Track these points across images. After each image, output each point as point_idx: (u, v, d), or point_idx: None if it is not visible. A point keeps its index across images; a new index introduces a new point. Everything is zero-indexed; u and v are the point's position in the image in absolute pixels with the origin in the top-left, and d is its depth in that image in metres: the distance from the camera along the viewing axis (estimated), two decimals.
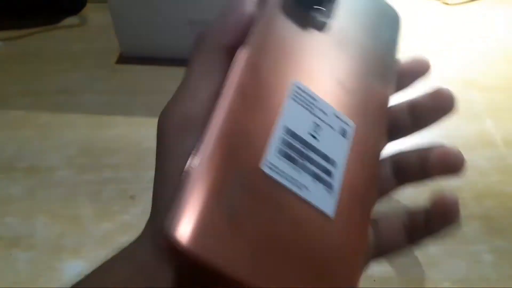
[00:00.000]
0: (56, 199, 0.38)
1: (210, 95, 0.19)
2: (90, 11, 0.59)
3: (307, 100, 0.20)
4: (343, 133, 0.21)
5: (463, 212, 0.37)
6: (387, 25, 0.26)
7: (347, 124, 0.21)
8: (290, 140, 0.19)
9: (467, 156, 0.41)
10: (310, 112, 0.20)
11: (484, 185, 0.39)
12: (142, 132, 0.43)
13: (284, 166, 0.18)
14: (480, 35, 0.56)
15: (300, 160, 0.19)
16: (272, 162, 0.18)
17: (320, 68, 0.21)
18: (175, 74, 0.49)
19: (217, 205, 0.16)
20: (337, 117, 0.21)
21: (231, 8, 0.21)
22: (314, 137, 0.20)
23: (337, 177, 0.19)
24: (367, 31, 0.24)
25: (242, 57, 0.19)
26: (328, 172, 0.19)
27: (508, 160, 0.40)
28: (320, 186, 0.19)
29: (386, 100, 0.23)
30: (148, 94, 0.47)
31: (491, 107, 0.46)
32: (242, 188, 0.17)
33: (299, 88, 0.20)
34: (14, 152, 0.41)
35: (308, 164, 0.19)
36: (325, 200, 0.19)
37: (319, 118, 0.20)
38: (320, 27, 0.23)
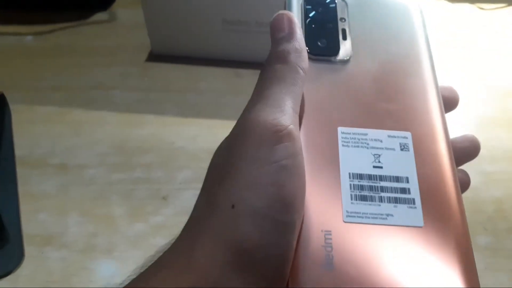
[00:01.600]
0: (88, 198, 0.37)
1: (295, 113, 0.21)
2: (119, 7, 0.59)
3: (357, 139, 0.22)
4: (404, 148, 0.22)
5: (504, 225, 0.36)
6: (408, 22, 0.27)
7: (404, 137, 0.22)
8: (358, 183, 0.21)
9: (508, 167, 0.40)
10: (365, 147, 0.22)
11: None
12: (174, 131, 0.43)
13: (363, 208, 0.20)
14: None
15: (375, 195, 0.20)
16: (351, 210, 0.20)
17: (356, 100, 0.23)
18: (206, 74, 0.49)
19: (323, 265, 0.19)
20: (392, 136, 0.22)
21: None
22: (379, 167, 0.21)
23: (414, 189, 0.21)
24: (390, 36, 0.26)
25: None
26: (405, 190, 0.21)
27: None
28: (403, 207, 0.20)
29: (430, 87, 0.24)
30: (179, 93, 0.47)
31: None
32: (338, 243, 0.19)
33: (344, 132, 0.22)
34: (46, 149, 0.41)
35: (384, 194, 0.20)
36: (412, 217, 0.20)
37: (376, 148, 0.22)
38: (343, 60, 0.25)
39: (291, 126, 0.20)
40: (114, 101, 0.46)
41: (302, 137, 0.21)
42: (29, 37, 0.55)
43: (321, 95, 0.23)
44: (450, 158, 0.22)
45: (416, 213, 0.20)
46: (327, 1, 0.27)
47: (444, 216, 0.20)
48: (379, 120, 0.23)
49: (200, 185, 0.21)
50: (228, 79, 0.48)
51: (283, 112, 0.20)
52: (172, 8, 0.47)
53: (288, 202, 0.19)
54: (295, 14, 0.26)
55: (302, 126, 0.22)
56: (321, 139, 0.22)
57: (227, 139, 0.22)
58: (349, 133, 0.22)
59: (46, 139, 0.42)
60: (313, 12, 0.26)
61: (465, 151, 0.26)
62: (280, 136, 0.20)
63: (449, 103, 0.26)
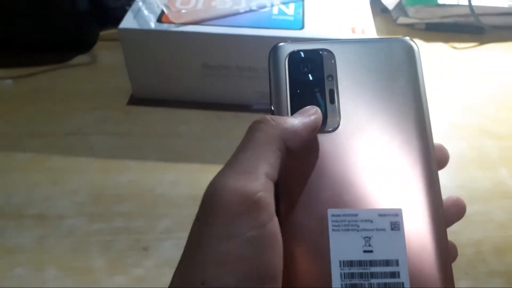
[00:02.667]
0: (67, 250, 0.37)
1: (269, 179, 0.20)
2: (101, 49, 0.59)
3: (347, 221, 0.21)
4: (394, 227, 0.21)
5: (484, 268, 0.36)
6: (402, 67, 0.25)
7: (395, 215, 0.21)
8: (348, 271, 0.20)
9: (485, 208, 0.40)
10: (356, 230, 0.21)
11: (504, 239, 0.38)
12: (154, 177, 0.43)
13: None
14: (490, 80, 0.56)
15: (365, 282, 0.20)
16: None
17: (345, 173, 0.22)
18: (187, 117, 0.49)
19: None
20: (383, 215, 0.21)
21: (305, 117, 0.22)
22: (369, 251, 0.21)
23: (404, 273, 0.20)
24: (382, 89, 0.24)
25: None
26: (394, 274, 0.20)
27: None
28: None
29: (424, 151, 0.23)
30: (160, 138, 0.47)
31: (505, 156, 0.46)
32: None
33: (335, 215, 0.21)
34: (23, 198, 0.40)
35: (374, 280, 0.20)
36: None
37: (367, 230, 0.21)
38: (330, 130, 0.23)
39: (260, 194, 0.19)
40: (92, 147, 0.46)
41: (290, 221, 0.21)
42: (9, 81, 0.54)
43: (308, 170, 0.22)
44: (442, 232, 0.21)
45: None
46: (313, 57, 0.25)
47: None
48: (369, 195, 0.22)
49: (181, 234, 0.21)
50: (209, 122, 0.49)
51: (254, 179, 0.20)
52: (152, 53, 0.47)
53: (261, 275, 0.18)
54: (279, 75, 0.24)
55: (290, 207, 0.22)
56: (310, 223, 0.21)
57: (199, 209, 0.21)
58: (339, 215, 0.21)
59: (22, 188, 0.41)
60: (297, 71, 0.24)
61: (452, 216, 0.25)
62: (246, 206, 0.19)
63: (439, 163, 0.25)
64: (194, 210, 0.22)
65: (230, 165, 0.21)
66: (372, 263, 0.20)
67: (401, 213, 0.21)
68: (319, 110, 0.22)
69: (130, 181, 0.42)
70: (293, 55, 0.24)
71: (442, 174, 0.44)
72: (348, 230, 0.21)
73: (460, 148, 0.47)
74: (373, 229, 0.21)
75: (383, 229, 0.21)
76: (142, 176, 0.43)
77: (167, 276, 0.20)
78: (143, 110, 0.50)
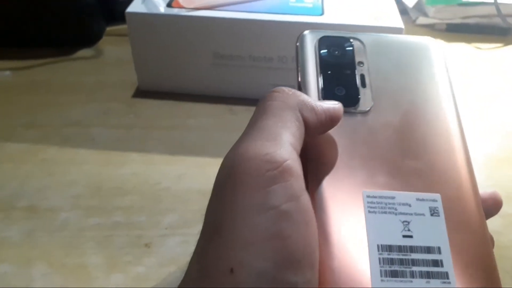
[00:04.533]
0: (59, 245, 0.32)
1: (293, 147, 0.18)
2: (106, 44, 0.56)
3: (384, 203, 0.20)
4: (434, 212, 0.20)
5: None
6: (430, 63, 0.25)
7: (434, 200, 0.20)
8: (387, 256, 0.18)
9: None
10: (394, 213, 0.19)
11: None
12: (159, 170, 0.39)
13: (394, 284, 0.18)
14: None
15: (406, 270, 0.18)
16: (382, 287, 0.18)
17: (380, 157, 0.21)
18: (196, 110, 0.46)
19: None
20: (421, 199, 0.20)
21: (325, 103, 0.21)
22: (409, 236, 0.19)
23: (447, 261, 0.19)
24: (412, 80, 0.24)
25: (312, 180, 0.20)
26: (437, 263, 0.19)
27: None
28: (436, 282, 0.18)
29: (456, 140, 0.22)
30: (167, 131, 0.43)
31: None
32: None
33: (370, 196, 0.20)
34: (14, 189, 0.36)
35: (415, 268, 0.18)
36: None
37: (405, 213, 0.20)
38: (363, 111, 0.23)
39: (289, 162, 0.17)
40: (93, 139, 0.42)
41: (321, 201, 0.19)
42: (7, 72, 0.51)
43: (341, 152, 0.21)
44: (482, 221, 0.20)
45: (451, 286, 0.18)
46: (343, 43, 0.25)
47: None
48: (405, 180, 0.20)
49: (187, 231, 0.17)
50: (220, 115, 0.45)
51: (279, 146, 0.18)
52: (161, 41, 0.44)
53: (297, 258, 0.16)
54: (309, 58, 0.24)
55: (319, 187, 0.20)
56: (344, 204, 0.19)
57: (214, 185, 0.18)
58: (375, 197, 0.20)
59: (14, 179, 0.37)
60: (328, 56, 0.24)
61: (488, 209, 0.22)
62: (274, 174, 0.17)
63: (492, 210, 0.23)
64: (202, 205, 0.18)
65: (249, 133, 0.18)
66: (412, 249, 0.19)
67: (440, 199, 0.20)
68: (341, 105, 0.21)
69: (132, 174, 0.38)
70: (325, 40, 0.25)
71: (476, 172, 0.40)
72: (385, 212, 0.19)
73: (491, 147, 0.43)
74: (411, 214, 0.20)
75: (423, 214, 0.20)
76: (146, 169, 0.39)
77: (172, 275, 0.16)
78: (149, 103, 0.47)
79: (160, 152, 0.41)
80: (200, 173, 0.38)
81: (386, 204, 0.20)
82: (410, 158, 0.21)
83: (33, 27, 0.54)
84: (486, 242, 0.20)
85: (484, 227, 0.20)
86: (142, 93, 0.48)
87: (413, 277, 0.18)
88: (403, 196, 0.20)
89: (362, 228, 0.19)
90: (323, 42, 0.25)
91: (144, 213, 0.35)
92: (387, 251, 0.19)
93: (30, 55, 0.53)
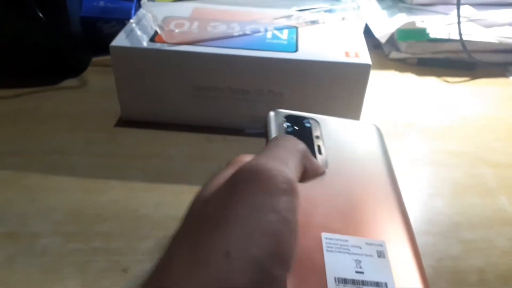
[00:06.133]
0: (38, 270, 0.33)
1: (297, 174, 0.23)
2: (91, 74, 0.58)
3: (339, 245, 0.23)
4: (380, 255, 0.23)
5: None
6: (371, 140, 0.31)
7: (380, 245, 0.24)
8: (343, 287, 0.21)
9: (487, 235, 0.38)
10: (347, 253, 0.23)
11: (508, 266, 0.36)
12: (138, 198, 0.40)
13: None
14: (483, 112, 0.56)
15: None
16: None
17: (335, 208, 0.25)
18: (176, 139, 0.48)
19: None
20: (370, 244, 0.23)
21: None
22: (360, 272, 0.22)
23: None
24: (357, 152, 0.29)
25: None
26: None
27: None
28: None
29: (395, 200, 0.27)
30: (147, 159, 0.45)
31: (503, 184, 0.44)
32: None
33: (328, 238, 0.23)
34: None
35: None
36: None
37: (357, 254, 0.23)
38: (320, 176, 0.27)
39: (297, 184, 0.20)
40: (74, 167, 0.43)
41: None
42: None
43: (304, 202, 0.24)
44: (419, 261, 0.24)
45: None
46: (303, 121, 0.30)
47: None
48: (356, 228, 0.24)
49: None
50: (199, 144, 0.47)
51: (289, 168, 0.21)
52: (143, 73, 0.46)
53: (284, 257, 0.18)
54: (277, 131, 0.29)
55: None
56: (307, 243, 0.22)
57: (219, 187, 0.21)
58: (332, 239, 0.23)
59: None
60: (292, 129, 0.29)
61: None
62: (285, 188, 0.19)
63: None
64: None
65: (265, 155, 0.22)
66: (364, 283, 0.22)
67: (385, 244, 0.24)
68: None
69: (112, 201, 0.40)
70: (289, 118, 0.30)
71: (441, 200, 0.42)
72: (340, 252, 0.23)
73: (457, 175, 0.45)
74: (362, 254, 0.23)
75: (371, 255, 0.23)
76: (125, 196, 0.40)
77: None
78: (130, 132, 0.48)
79: (140, 180, 0.42)
80: (177, 201, 0.40)
81: (341, 245, 0.23)
82: (359, 210, 0.25)
83: (20, 57, 0.56)
84: (424, 278, 0.23)
85: (421, 265, 0.24)
86: (124, 122, 0.49)
87: None
88: (354, 240, 0.23)
89: (322, 263, 0.22)
90: (287, 119, 0.30)
91: (122, 239, 0.36)
92: (342, 283, 0.22)
93: (16, 85, 0.55)
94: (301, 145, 0.25)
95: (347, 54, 0.45)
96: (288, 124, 0.30)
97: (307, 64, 0.44)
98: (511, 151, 0.49)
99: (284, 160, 0.22)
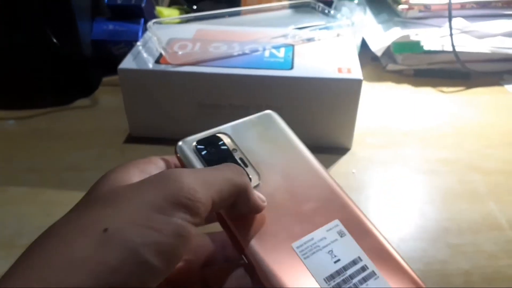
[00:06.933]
0: None
1: (212, 200, 0.23)
2: (102, 93, 0.62)
3: (310, 246, 0.25)
4: (342, 234, 0.26)
5: None
6: (276, 127, 0.31)
7: (337, 225, 0.26)
8: (333, 283, 0.23)
9: (474, 239, 0.40)
10: (320, 250, 0.25)
11: (493, 269, 0.38)
12: None
13: None
14: (477, 120, 0.58)
15: (350, 285, 0.23)
16: None
17: (285, 212, 0.26)
18: None
19: None
20: (329, 229, 0.26)
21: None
22: (338, 260, 0.24)
23: (369, 262, 0.25)
24: (273, 145, 0.30)
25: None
26: (364, 268, 0.24)
27: None
28: (371, 281, 0.24)
29: (324, 176, 0.29)
30: None
31: (493, 190, 0.46)
32: None
33: (298, 246, 0.25)
34: (15, 229, 0.41)
35: (354, 280, 0.24)
36: (381, 285, 0.24)
37: (326, 245, 0.25)
38: (256, 185, 0.27)
39: (202, 206, 0.21)
40: (87, 182, 0.46)
41: (266, 265, 0.24)
42: (11, 121, 0.56)
43: (260, 220, 0.26)
44: (372, 224, 0.27)
45: (383, 282, 0.24)
46: (215, 140, 0.29)
47: (396, 269, 0.25)
48: (311, 222, 0.26)
49: None
50: None
51: (208, 192, 0.22)
52: (150, 93, 0.50)
53: (164, 252, 0.19)
54: (194, 162, 0.27)
55: (260, 253, 0.24)
56: (284, 260, 0.24)
57: (134, 180, 0.23)
58: (301, 245, 0.25)
59: (15, 219, 0.42)
60: (209, 153, 0.28)
61: None
62: (185, 202, 0.21)
63: None
64: None
65: (191, 169, 0.23)
66: (345, 268, 0.24)
67: (339, 222, 0.26)
68: (265, 203, 0.26)
69: None
70: (200, 143, 0.29)
71: (431, 207, 0.44)
72: (314, 252, 0.25)
73: (449, 182, 0.47)
74: (329, 243, 0.25)
75: (336, 239, 0.25)
76: None
77: None
78: (139, 148, 0.52)
79: None
80: None
81: (311, 246, 0.25)
82: (305, 204, 0.27)
83: (35, 80, 0.60)
84: (382, 239, 0.26)
85: (374, 226, 0.26)
86: (133, 139, 0.53)
87: (356, 286, 0.24)
88: (317, 233, 0.25)
89: (307, 272, 0.24)
90: (199, 145, 0.28)
91: None
92: (332, 279, 0.24)
93: (32, 106, 0.58)
94: (241, 180, 0.24)
95: (340, 70, 0.48)
96: (201, 147, 0.28)
97: (302, 80, 0.47)
98: (502, 157, 0.51)
99: (209, 183, 0.22)
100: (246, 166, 0.28)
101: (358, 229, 0.26)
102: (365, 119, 0.57)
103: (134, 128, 0.53)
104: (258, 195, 0.26)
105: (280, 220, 0.26)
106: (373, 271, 0.24)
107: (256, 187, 0.27)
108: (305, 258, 0.24)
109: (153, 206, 0.20)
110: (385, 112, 0.60)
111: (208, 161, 0.27)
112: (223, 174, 0.24)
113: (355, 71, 0.48)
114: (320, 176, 0.28)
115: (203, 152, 0.28)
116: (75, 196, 0.44)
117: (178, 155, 0.28)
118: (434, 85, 0.66)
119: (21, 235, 0.40)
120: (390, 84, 0.66)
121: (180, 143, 0.29)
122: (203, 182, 0.22)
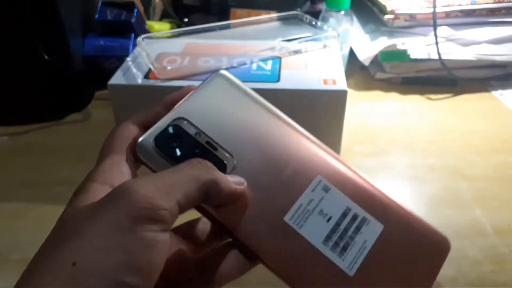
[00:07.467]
0: None
1: (178, 204, 0.22)
2: (94, 108, 0.63)
3: (301, 213, 0.25)
4: (326, 189, 0.26)
5: None
6: (233, 88, 0.29)
7: (320, 182, 0.26)
8: (333, 242, 0.24)
9: (459, 245, 0.41)
10: (310, 213, 0.25)
11: (478, 275, 0.38)
12: None
13: (350, 254, 0.24)
14: (463, 127, 0.59)
15: (347, 239, 0.25)
16: (347, 265, 0.24)
17: (271, 185, 0.26)
18: None
19: None
20: (313, 189, 0.26)
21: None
22: (329, 218, 0.25)
23: (358, 210, 0.25)
24: (234, 113, 0.28)
25: None
26: (355, 217, 0.25)
27: (500, 249, 0.41)
28: (364, 228, 0.25)
29: (298, 133, 0.28)
30: None
31: (478, 196, 0.47)
32: None
33: (290, 217, 0.25)
34: (8, 243, 0.42)
35: (349, 232, 0.25)
36: (374, 228, 0.25)
37: (315, 207, 0.25)
38: (234, 165, 0.26)
39: (165, 212, 0.21)
40: None
41: (264, 244, 0.24)
42: (4, 138, 0.57)
43: (242, 202, 0.25)
44: (352, 169, 0.27)
45: (375, 224, 0.25)
46: (174, 131, 0.26)
47: (386, 209, 0.26)
48: (296, 187, 0.26)
49: None
50: None
51: (171, 195, 0.21)
52: (139, 107, 0.50)
53: (140, 268, 0.20)
54: (159, 162, 0.25)
55: (255, 233, 0.24)
56: (282, 236, 0.24)
57: (90, 202, 0.22)
58: (293, 215, 0.25)
59: (8, 234, 0.42)
60: (172, 149, 0.26)
61: None
62: (146, 213, 0.20)
63: None
64: None
65: (145, 177, 0.22)
66: (338, 222, 0.25)
67: (321, 178, 0.26)
68: (244, 186, 0.25)
69: None
70: (158, 139, 0.26)
71: (417, 213, 0.45)
72: (306, 219, 0.25)
73: (435, 189, 0.48)
74: (317, 203, 0.25)
75: (322, 196, 0.25)
76: None
77: None
78: None
79: None
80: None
81: (301, 212, 0.25)
82: (285, 169, 0.26)
83: (28, 96, 0.60)
84: (365, 182, 0.26)
85: (356, 172, 0.27)
86: None
87: (353, 239, 0.24)
88: (304, 198, 0.25)
89: (304, 241, 0.24)
90: (158, 142, 0.26)
91: None
92: (329, 239, 0.24)
93: (25, 121, 0.59)
94: (207, 175, 0.23)
95: (325, 82, 0.48)
96: (161, 143, 0.26)
97: (288, 92, 0.48)
98: (487, 164, 0.52)
99: (170, 187, 0.22)
100: (216, 149, 0.26)
101: (341, 179, 0.26)
102: (353, 127, 0.58)
103: None
104: (234, 180, 0.25)
105: (265, 194, 0.25)
106: (363, 217, 0.25)
107: (233, 170, 0.26)
108: (299, 228, 0.25)
109: (116, 226, 0.20)
110: (374, 120, 0.61)
111: (174, 157, 0.25)
112: (186, 173, 0.23)
113: (340, 82, 0.48)
114: (292, 132, 0.27)
115: (166, 148, 0.25)
116: None
117: (140, 158, 0.26)
118: (422, 92, 0.67)
119: (14, 250, 0.41)
120: (378, 93, 0.68)
121: (137, 143, 0.26)
122: (162, 188, 0.21)
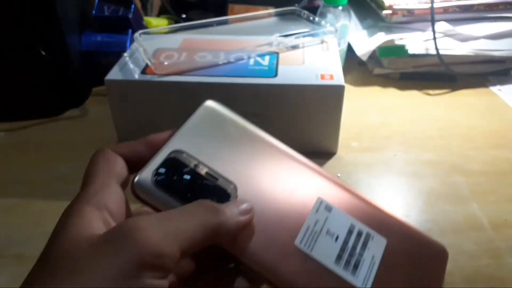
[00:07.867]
0: None
1: (180, 249, 0.21)
2: (92, 104, 0.63)
3: (310, 237, 0.25)
4: (329, 209, 0.26)
5: None
6: (225, 119, 0.29)
7: (321, 203, 0.27)
8: (344, 261, 0.25)
9: (456, 240, 0.41)
10: (318, 235, 0.25)
11: (474, 269, 0.38)
12: None
13: (363, 271, 0.25)
14: (461, 122, 0.59)
15: (357, 256, 0.25)
16: (362, 284, 0.24)
17: (275, 215, 0.26)
18: None
19: None
20: (316, 211, 0.26)
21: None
22: (336, 237, 0.25)
23: (361, 226, 0.26)
24: (235, 145, 0.28)
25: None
26: (360, 233, 0.26)
27: (497, 244, 0.41)
28: (370, 243, 0.25)
29: (294, 156, 0.28)
30: None
31: (475, 191, 0.47)
32: None
33: (300, 241, 0.25)
34: (3, 239, 0.41)
35: (357, 248, 0.25)
36: (379, 242, 0.26)
37: (321, 228, 0.26)
38: (236, 196, 0.26)
39: (169, 260, 0.20)
40: (77, 193, 0.47)
41: (278, 272, 0.24)
42: (1, 133, 0.57)
43: (251, 231, 0.25)
44: (346, 187, 0.28)
45: (379, 238, 0.26)
46: (171, 164, 0.26)
47: (386, 223, 0.27)
48: (298, 211, 0.26)
49: None
50: None
51: (176, 241, 0.21)
52: (136, 102, 0.50)
53: None
54: (158, 198, 0.24)
55: (270, 262, 0.24)
56: (295, 262, 0.24)
57: (95, 235, 0.21)
58: (302, 240, 0.25)
59: (3, 230, 0.42)
60: (174, 183, 0.25)
61: None
62: (155, 262, 0.20)
63: None
64: None
65: (154, 218, 0.21)
66: (345, 241, 0.25)
67: (323, 199, 0.26)
68: (251, 214, 0.24)
69: None
70: (157, 175, 0.25)
71: (414, 209, 0.45)
72: (315, 241, 0.25)
73: (432, 184, 0.48)
74: (323, 224, 0.26)
75: (327, 217, 0.26)
76: None
77: None
78: None
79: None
80: None
81: (310, 235, 0.25)
82: (286, 193, 0.26)
83: (26, 92, 0.60)
84: (365, 199, 0.27)
85: (353, 190, 0.28)
86: None
87: (362, 255, 0.25)
88: (309, 220, 0.26)
89: (318, 263, 0.24)
90: (158, 177, 0.25)
91: None
92: (340, 259, 0.25)
93: (22, 117, 0.59)
94: (215, 220, 0.22)
95: (322, 77, 0.48)
96: (161, 179, 0.25)
97: (285, 88, 0.48)
98: (485, 159, 0.52)
99: (176, 232, 0.21)
100: (217, 179, 0.26)
101: (339, 197, 0.27)
102: (351, 123, 0.58)
103: (123, 137, 0.53)
104: (242, 208, 0.24)
105: (270, 219, 0.25)
106: (367, 233, 0.26)
107: (238, 197, 0.25)
108: (311, 250, 0.25)
109: (121, 272, 0.19)
110: (372, 116, 0.61)
111: (175, 192, 0.25)
112: (193, 217, 0.22)
113: (338, 78, 0.48)
114: (286, 157, 0.28)
115: (166, 183, 0.25)
116: (64, 206, 0.46)
117: (140, 195, 0.25)
118: (420, 88, 0.67)
119: (10, 245, 0.41)
120: (376, 88, 0.67)
121: (135, 180, 0.25)
122: (169, 233, 0.21)
